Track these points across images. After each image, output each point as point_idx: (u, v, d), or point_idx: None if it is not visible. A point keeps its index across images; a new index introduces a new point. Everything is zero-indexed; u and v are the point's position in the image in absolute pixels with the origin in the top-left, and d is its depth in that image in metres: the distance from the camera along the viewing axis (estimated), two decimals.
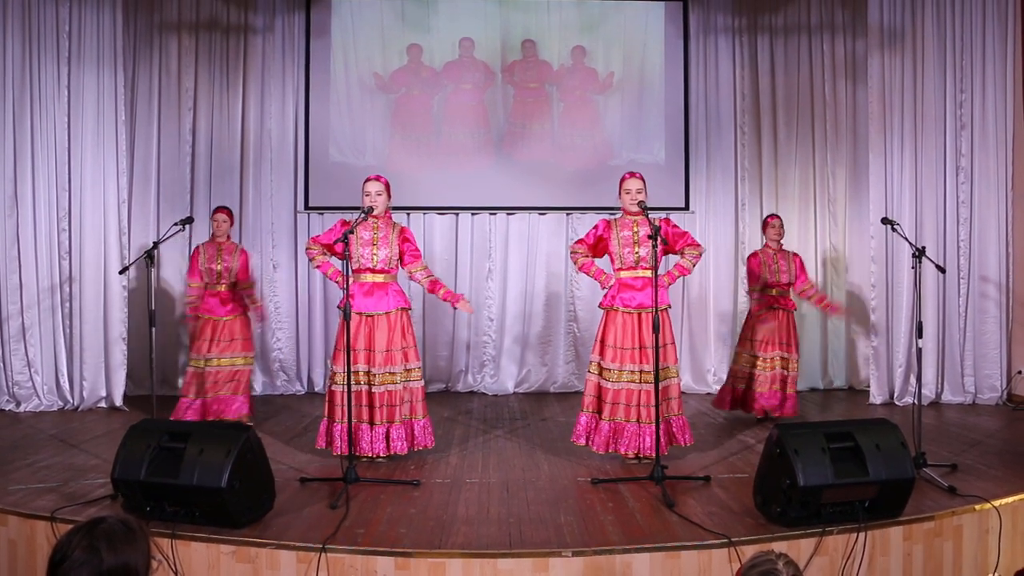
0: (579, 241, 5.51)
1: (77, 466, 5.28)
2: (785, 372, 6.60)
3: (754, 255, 6.75)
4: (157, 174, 8.00)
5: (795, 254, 6.80)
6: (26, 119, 7.18)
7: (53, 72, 7.21)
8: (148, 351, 5.23)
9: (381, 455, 5.25)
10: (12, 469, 5.16)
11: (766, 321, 6.57)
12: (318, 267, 5.43)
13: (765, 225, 6.87)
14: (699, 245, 5.39)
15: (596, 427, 5.26)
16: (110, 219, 7.34)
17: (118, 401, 7.30)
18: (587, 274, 5.47)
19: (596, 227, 5.44)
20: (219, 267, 6.42)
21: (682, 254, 5.37)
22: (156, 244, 5.41)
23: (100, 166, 7.31)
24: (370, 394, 5.24)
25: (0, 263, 7.18)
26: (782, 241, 6.77)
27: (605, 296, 5.37)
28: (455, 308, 5.49)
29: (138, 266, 7.62)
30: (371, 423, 5.23)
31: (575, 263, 5.51)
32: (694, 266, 5.41)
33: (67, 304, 7.28)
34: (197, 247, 6.59)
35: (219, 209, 6.65)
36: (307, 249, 5.49)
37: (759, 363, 6.58)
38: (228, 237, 6.59)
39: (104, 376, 7.31)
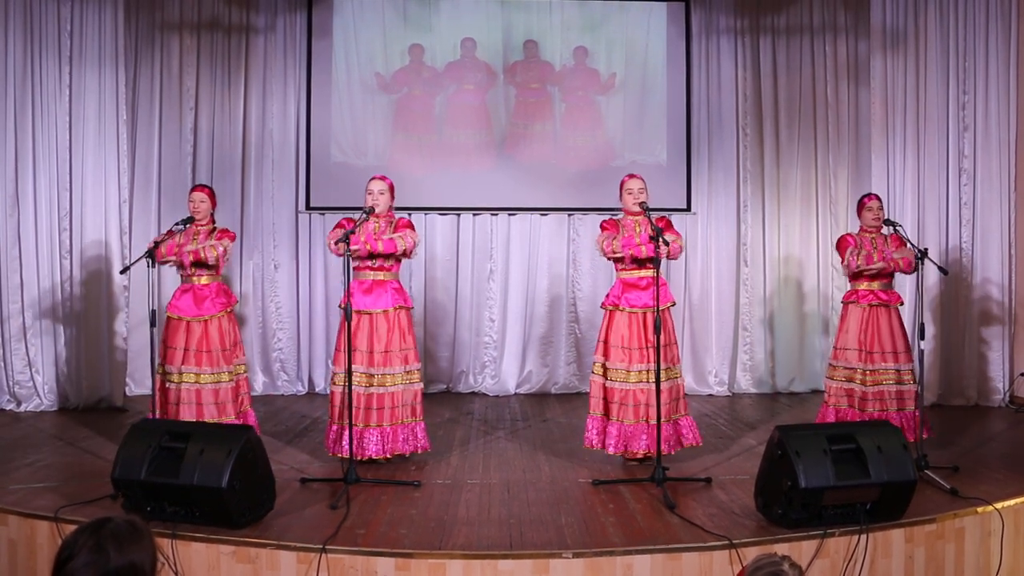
0: (604, 230, 5.35)
1: (77, 466, 5.28)
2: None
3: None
4: (158, 174, 7.99)
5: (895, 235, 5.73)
6: (27, 118, 7.17)
7: (55, 71, 7.21)
8: (149, 351, 5.21)
9: (380, 457, 5.24)
10: (12, 468, 5.16)
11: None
12: (344, 247, 4.95)
13: (860, 207, 5.89)
14: (679, 237, 5.26)
15: (606, 428, 5.25)
16: (111, 219, 7.34)
17: (118, 401, 7.30)
18: (629, 248, 5.18)
19: (606, 223, 5.39)
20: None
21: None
22: (157, 244, 5.40)
23: (101, 166, 7.30)
24: (368, 395, 5.23)
25: (1, 263, 7.18)
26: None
27: (608, 296, 5.36)
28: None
29: (139, 266, 7.60)
30: (368, 425, 5.21)
31: (612, 249, 5.23)
32: (668, 251, 5.05)
33: (68, 303, 7.27)
34: (170, 229, 5.58)
35: (196, 187, 5.70)
36: (332, 245, 5.17)
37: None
38: (211, 220, 5.64)
39: (105, 376, 7.29)
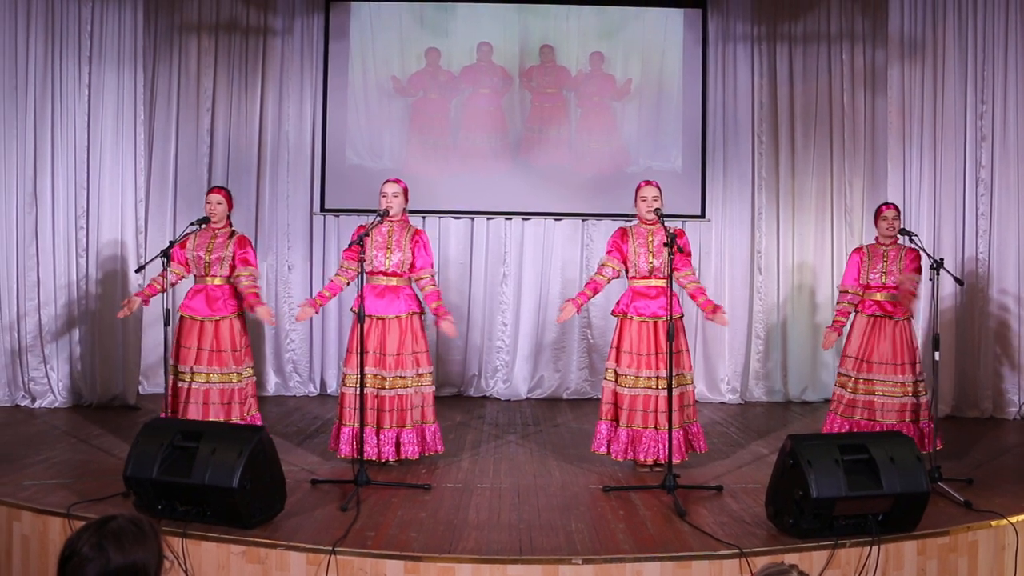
0: (608, 253, 5.44)
1: (90, 463, 5.32)
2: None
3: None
4: (175, 174, 8.05)
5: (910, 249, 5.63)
6: (47, 117, 7.23)
7: (74, 71, 7.27)
8: (163, 349, 5.25)
9: (391, 459, 5.25)
10: (26, 465, 5.20)
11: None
12: (335, 283, 5.54)
13: (877, 215, 5.79)
14: (692, 273, 5.38)
15: (615, 434, 5.25)
16: (127, 218, 7.39)
17: (132, 399, 7.33)
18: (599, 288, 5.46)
19: (614, 238, 5.41)
20: (208, 256, 5.50)
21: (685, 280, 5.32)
22: (172, 243, 5.44)
23: (118, 165, 7.36)
24: (380, 397, 5.24)
25: (19, 260, 7.23)
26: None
27: (618, 304, 5.36)
28: (437, 325, 5.44)
29: (154, 265, 7.63)
30: (379, 427, 5.23)
31: (602, 276, 5.45)
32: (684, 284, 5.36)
33: (83, 302, 7.32)
34: (187, 235, 5.63)
35: (213, 189, 5.74)
36: (340, 271, 5.57)
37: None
38: (228, 223, 5.67)
39: (118, 374, 7.33)
